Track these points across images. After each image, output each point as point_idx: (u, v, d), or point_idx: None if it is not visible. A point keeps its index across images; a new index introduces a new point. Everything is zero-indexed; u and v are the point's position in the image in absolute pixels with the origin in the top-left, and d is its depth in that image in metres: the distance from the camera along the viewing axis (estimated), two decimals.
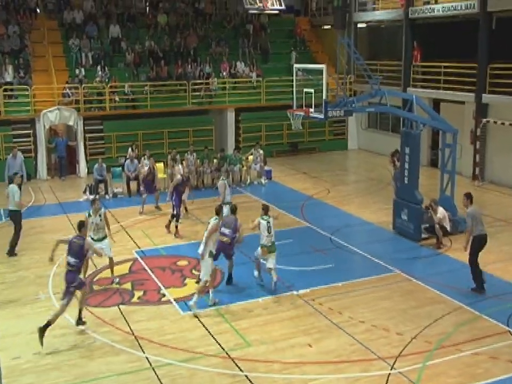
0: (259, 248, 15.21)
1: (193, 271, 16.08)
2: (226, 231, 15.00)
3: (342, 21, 33.60)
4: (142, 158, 24.08)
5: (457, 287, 15.03)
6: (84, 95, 28.93)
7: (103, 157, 26.70)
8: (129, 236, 19.47)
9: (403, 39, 30.99)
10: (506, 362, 11.58)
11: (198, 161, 25.74)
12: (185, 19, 35.50)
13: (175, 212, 19.43)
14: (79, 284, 12.97)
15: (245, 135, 32.06)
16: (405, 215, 18.87)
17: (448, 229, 18.31)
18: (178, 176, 20.11)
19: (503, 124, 25.12)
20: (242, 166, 26.69)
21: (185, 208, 21.31)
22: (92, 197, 23.66)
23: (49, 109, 27.78)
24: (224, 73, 32.56)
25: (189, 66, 31.87)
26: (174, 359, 11.83)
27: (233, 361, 11.74)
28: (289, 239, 18.70)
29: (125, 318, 13.60)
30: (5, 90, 28.09)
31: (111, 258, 15.55)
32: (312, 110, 19.52)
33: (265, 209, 15.40)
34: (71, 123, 28.46)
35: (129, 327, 13.18)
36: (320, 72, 19.50)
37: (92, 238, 15.04)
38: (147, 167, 22.88)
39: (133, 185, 24.60)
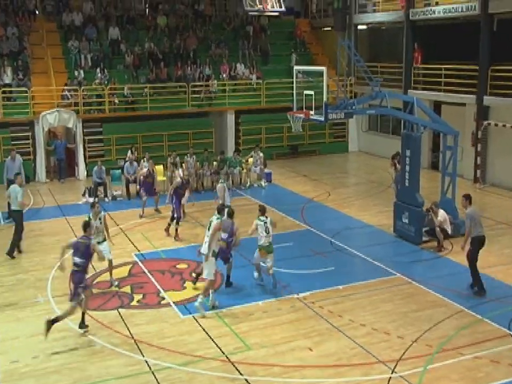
0: (256, 252, 15.29)
1: (193, 274, 16.04)
2: (223, 235, 15.00)
3: (342, 23, 33.71)
4: (142, 161, 24.09)
5: (458, 290, 15.05)
6: (83, 97, 28.95)
7: (103, 160, 26.74)
8: (129, 239, 19.48)
9: (404, 41, 31.02)
10: (508, 366, 11.58)
11: (198, 163, 25.75)
12: (185, 21, 35.53)
13: (175, 215, 19.43)
14: (86, 285, 13.04)
15: (244, 137, 32.07)
16: (406, 218, 18.87)
17: (449, 232, 18.30)
18: (178, 179, 20.09)
19: (504, 126, 25.12)
20: (242, 169, 26.71)
21: (183, 212, 21.19)
22: (91, 199, 23.73)
23: (48, 111, 27.80)
24: (224, 75, 32.58)
25: (189, 68, 31.90)
26: (173, 363, 11.83)
27: (233, 365, 11.74)
28: (289, 242, 18.75)
29: (124, 321, 13.61)
30: (4, 92, 28.12)
31: (110, 261, 15.57)
32: (312, 112, 19.55)
33: (262, 210, 15.45)
34: (70, 125, 28.48)
35: (129, 330, 13.19)
36: (320, 74, 19.54)
37: None
38: (146, 169, 22.88)
39: (132, 188, 24.62)
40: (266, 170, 27.34)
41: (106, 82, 29.85)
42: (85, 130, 29.00)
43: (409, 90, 30.02)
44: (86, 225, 13.49)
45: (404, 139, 19.18)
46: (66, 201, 24.25)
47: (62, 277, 16.12)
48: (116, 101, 29.67)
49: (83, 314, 13.14)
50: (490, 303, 14.36)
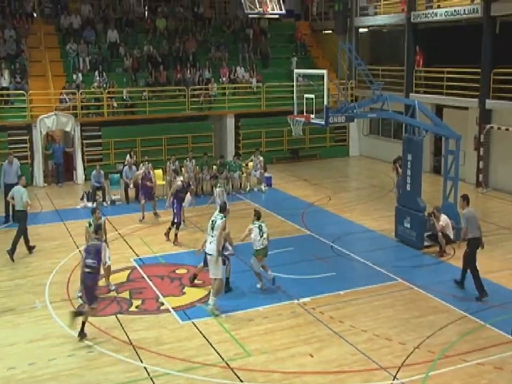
0: (254, 259, 15.37)
1: (195, 281, 16.09)
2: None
3: (343, 26, 33.80)
4: (141, 165, 24.02)
5: (461, 296, 15.04)
6: (82, 101, 28.98)
7: (101, 164, 26.72)
8: (128, 244, 19.48)
9: (405, 44, 31.07)
10: (511, 373, 11.56)
11: (197, 168, 25.75)
12: (184, 24, 35.61)
13: (175, 220, 19.40)
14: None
15: (244, 141, 32.10)
16: (407, 223, 18.86)
17: (451, 236, 18.28)
18: (179, 182, 20.04)
19: (507, 129, 25.15)
20: (242, 173, 26.72)
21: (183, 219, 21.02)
22: (89, 204, 23.82)
23: (46, 115, 27.81)
24: (224, 79, 32.62)
25: (188, 71, 31.93)
26: (173, 369, 11.81)
27: (233, 371, 11.73)
28: (289, 247, 18.78)
29: (123, 327, 13.59)
30: (1, 95, 28.20)
31: (108, 266, 15.56)
32: (313, 116, 19.55)
33: (257, 215, 15.56)
34: (68, 129, 28.49)
35: (127, 336, 13.17)
36: (321, 77, 19.54)
37: None
38: (141, 170, 22.84)
39: (131, 192, 24.63)
40: (266, 175, 27.34)
41: (104, 85, 29.89)
42: (83, 134, 29.03)
43: (410, 94, 30.04)
44: (98, 228, 13.72)
45: (406, 143, 19.20)
46: (64, 206, 24.25)
47: (60, 282, 16.22)
48: (115, 104, 29.69)
49: (83, 323, 13.13)
50: (493, 308, 14.34)
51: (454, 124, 22.16)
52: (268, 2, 31.62)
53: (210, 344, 12.78)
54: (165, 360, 12.14)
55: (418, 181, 18.88)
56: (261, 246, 15.25)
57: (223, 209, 14.72)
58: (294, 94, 20.73)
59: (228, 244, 15.01)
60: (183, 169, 24.66)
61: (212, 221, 14.41)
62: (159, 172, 25.82)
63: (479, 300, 14.83)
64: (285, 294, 15.25)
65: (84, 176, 28.44)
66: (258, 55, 35.22)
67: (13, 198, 18.81)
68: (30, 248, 18.73)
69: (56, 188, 27.60)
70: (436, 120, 20.45)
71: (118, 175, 25.55)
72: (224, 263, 15.10)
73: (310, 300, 14.91)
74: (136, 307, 14.73)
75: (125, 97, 29.92)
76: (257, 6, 31.46)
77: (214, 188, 21.15)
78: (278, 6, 32.41)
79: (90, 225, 15.28)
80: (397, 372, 11.59)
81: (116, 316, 14.19)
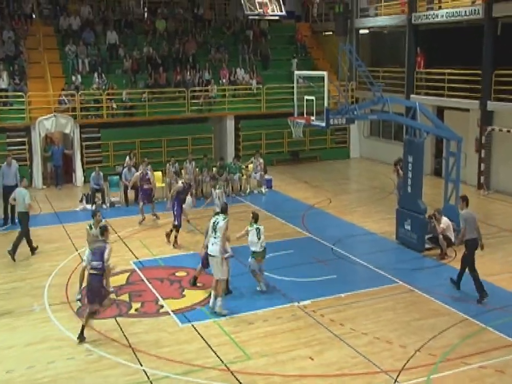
0: (251, 260, 15.42)
1: (197, 284, 16.12)
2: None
3: (343, 27, 33.80)
4: (140, 166, 23.84)
5: (462, 299, 15.04)
6: (81, 103, 28.99)
7: (100, 166, 26.73)
8: (127, 246, 19.47)
9: (406, 45, 31.09)
10: None
11: (197, 170, 25.75)
12: (184, 25, 35.65)
13: (175, 222, 19.38)
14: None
15: (244, 143, 32.11)
16: (408, 225, 18.86)
17: (453, 239, 18.27)
18: (180, 184, 20.02)
19: (508, 131, 25.15)
20: (242, 175, 26.71)
21: (188, 221, 20.95)
22: (88, 206, 23.82)
23: (45, 117, 27.81)
24: (224, 80, 32.64)
25: (188, 73, 31.94)
26: (172, 372, 11.81)
27: (233, 374, 11.72)
28: (290, 249, 18.79)
29: (122, 330, 13.58)
30: (0, 97, 28.14)
31: (108, 269, 15.54)
32: (313, 117, 19.58)
33: (255, 218, 15.61)
34: (67, 131, 28.50)
35: (127, 339, 13.17)
36: (321, 79, 19.57)
37: (89, 249, 15.11)
38: (139, 172, 22.81)
39: (131, 194, 24.61)
40: (266, 177, 27.35)
41: (104, 87, 29.89)
42: (82, 136, 29.04)
43: (411, 95, 30.05)
44: (104, 229, 13.74)
45: (406, 145, 19.20)
46: (63, 208, 24.25)
47: (59, 284, 16.22)
48: (114, 106, 29.71)
49: (83, 327, 13.13)
50: (495, 311, 14.34)
51: (455, 126, 22.15)
52: (268, 3, 31.60)
53: (210, 347, 12.77)
54: (165, 363, 12.13)
55: (419, 183, 18.88)
56: (260, 249, 15.34)
57: (224, 210, 14.74)
58: (295, 96, 20.77)
59: (228, 245, 15.02)
60: (182, 171, 24.66)
61: (214, 222, 14.41)
62: (158, 173, 25.85)
63: (479, 301, 14.84)
64: (285, 297, 15.24)
65: (83, 178, 28.43)
66: (259, 56, 35.24)
67: (14, 200, 18.88)
68: (33, 249, 18.79)
69: (55, 190, 27.59)
70: (437, 122, 20.46)
71: (118, 177, 25.56)
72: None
73: (311, 302, 14.90)
74: (136, 310, 14.73)
75: (124, 98, 29.92)
76: (257, 7, 31.43)
77: (213, 189, 21.08)
78: (278, 8, 32.40)
79: (91, 227, 15.27)
80: (398, 375, 11.58)
81: (115, 319, 14.16)
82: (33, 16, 33.83)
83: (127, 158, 25.65)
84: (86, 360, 12.31)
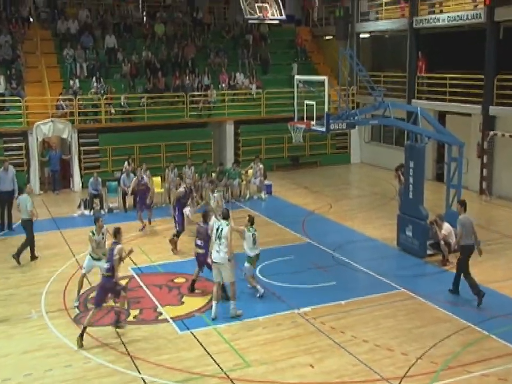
0: (247, 265, 15.50)
1: (196, 290, 16.18)
2: (198, 242, 15.70)
3: (344, 31, 33.88)
4: (139, 169, 23.72)
5: (464, 306, 15.04)
6: (79, 107, 29.01)
7: (98, 171, 26.73)
8: (125, 252, 19.41)
9: (407, 50, 31.13)
10: None
11: (196, 175, 25.73)
12: (183, 29, 35.73)
13: (177, 228, 19.37)
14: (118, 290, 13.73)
15: (244, 148, 32.13)
16: (410, 231, 18.87)
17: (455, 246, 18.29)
18: (181, 189, 20.03)
19: (511, 136, 25.18)
20: (242, 180, 26.72)
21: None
22: (86, 212, 23.83)
23: (43, 121, 27.82)
24: (223, 85, 32.67)
25: (187, 77, 31.98)
26: (171, 380, 11.80)
27: (232, 382, 11.72)
28: (289, 255, 18.79)
29: (120, 337, 13.58)
30: None
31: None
32: (313, 122, 19.60)
33: (251, 221, 15.72)
34: (65, 136, 28.51)
35: (125, 346, 13.17)
36: (321, 83, 19.60)
37: (92, 257, 15.18)
38: (135, 178, 22.80)
39: (129, 200, 24.60)
40: (266, 182, 27.36)
41: (102, 91, 29.90)
42: (80, 141, 29.04)
43: (413, 100, 30.09)
44: (117, 232, 14.03)
45: (408, 150, 19.22)
46: (61, 214, 24.25)
47: (56, 291, 16.20)
48: (112, 111, 29.74)
49: (84, 329, 13.20)
50: (497, 319, 14.33)
51: (457, 131, 22.18)
52: (268, 7, 31.73)
53: (209, 354, 12.77)
54: (163, 371, 12.12)
55: (421, 189, 18.91)
56: (256, 254, 15.56)
57: (226, 216, 14.78)
58: (295, 101, 20.79)
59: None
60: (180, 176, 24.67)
61: (217, 229, 14.44)
62: (157, 179, 25.86)
63: (478, 304, 14.93)
64: (285, 304, 15.24)
65: (81, 184, 28.44)
66: (258, 61, 35.29)
67: (19, 206, 19.06)
68: (34, 257, 18.83)
69: (53, 196, 27.59)
70: (439, 127, 20.48)
71: (116, 182, 25.57)
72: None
73: (311, 309, 14.89)
74: (134, 317, 14.71)
75: (122, 103, 29.95)
76: (257, 11, 31.55)
77: (211, 193, 21.02)
78: (278, 12, 32.51)
79: (93, 234, 15.29)
80: (399, 383, 11.57)
81: (114, 326, 14.16)
82: (31, 19, 33.96)
83: (126, 163, 25.67)
84: (83, 368, 12.29)
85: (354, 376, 11.88)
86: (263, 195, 26.71)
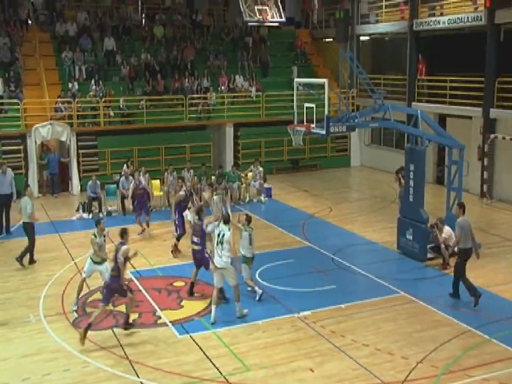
0: (243, 265, 15.56)
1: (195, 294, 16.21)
2: (195, 239, 15.89)
3: (344, 34, 33.89)
4: (136, 173, 23.68)
5: (465, 310, 15.04)
6: (77, 110, 29.01)
7: (97, 174, 26.69)
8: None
9: (407, 52, 31.15)
10: None
11: (196, 178, 25.73)
12: (182, 31, 35.72)
13: (177, 231, 19.36)
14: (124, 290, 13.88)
15: (244, 151, 32.12)
16: (410, 235, 18.87)
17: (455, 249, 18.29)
18: (182, 192, 20.04)
19: (511, 139, 25.18)
20: (241, 183, 26.73)
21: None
22: (85, 215, 23.83)
23: (41, 124, 27.83)
24: (223, 87, 32.67)
25: (186, 80, 31.98)
26: None
27: None
28: (289, 259, 18.78)
29: (119, 341, 13.58)
30: None
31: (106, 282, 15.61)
32: (313, 125, 19.63)
33: (248, 220, 15.88)
34: (63, 139, 28.51)
35: (124, 350, 13.16)
36: (321, 86, 19.63)
37: (93, 260, 15.19)
38: (132, 182, 22.80)
39: (128, 203, 24.58)
40: (266, 185, 27.36)
41: (101, 94, 29.90)
42: (79, 144, 29.03)
43: (413, 103, 30.12)
44: (123, 232, 14.19)
45: (408, 153, 19.24)
46: (59, 217, 24.23)
47: (55, 295, 16.20)
48: (111, 113, 29.73)
49: (89, 325, 13.35)
50: (498, 322, 14.32)
51: (457, 134, 22.20)
52: (268, 10, 31.70)
53: (209, 358, 12.76)
54: (162, 375, 12.12)
55: (421, 192, 18.92)
56: (252, 255, 15.69)
57: (227, 220, 14.79)
58: (294, 103, 20.83)
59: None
60: (179, 179, 24.64)
61: (219, 235, 14.47)
62: (157, 182, 25.87)
63: (475, 305, 15.05)
64: (285, 308, 15.24)
65: (79, 187, 28.43)
66: (258, 63, 35.29)
67: (20, 209, 19.10)
68: (32, 261, 18.80)
69: (51, 199, 27.58)
70: (439, 130, 20.50)
71: (115, 185, 25.57)
72: (208, 267, 15.62)
73: (311, 313, 14.89)
74: (133, 320, 14.69)
75: (121, 106, 29.95)
76: (257, 14, 31.52)
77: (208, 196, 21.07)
78: (278, 14, 32.49)
79: (95, 236, 15.31)
80: None
81: (112, 330, 14.16)
82: (29, 22, 33.89)
83: (125, 166, 25.66)
84: (82, 372, 12.29)
85: (354, 380, 11.88)
86: (262, 198, 26.71)
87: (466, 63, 26.38)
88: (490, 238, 20.56)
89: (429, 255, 18.60)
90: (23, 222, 19.04)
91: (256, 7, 31.30)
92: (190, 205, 20.37)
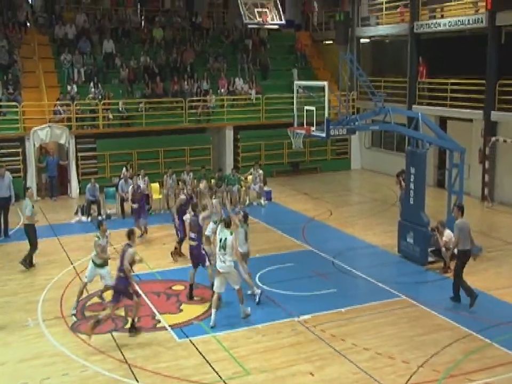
0: (245, 276, 15.58)
1: (194, 298, 16.23)
2: (192, 235, 16.16)
3: (344, 36, 33.91)
4: (135, 177, 23.70)
5: (466, 313, 15.02)
6: (76, 113, 29.02)
7: (96, 177, 26.67)
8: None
9: (408, 55, 31.18)
10: None
11: (195, 181, 25.72)
12: (182, 34, 35.75)
13: (179, 235, 19.34)
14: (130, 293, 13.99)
15: (243, 154, 32.13)
16: (411, 238, 18.87)
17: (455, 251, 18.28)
18: (183, 196, 20.03)
19: None
20: (241, 187, 26.72)
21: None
22: (84, 218, 23.82)
23: (40, 127, 27.82)
24: (222, 90, 32.69)
25: (186, 82, 32.01)
26: None
27: None
28: (289, 262, 18.76)
29: (118, 345, 13.56)
30: None
31: (106, 287, 15.60)
32: (313, 128, 19.61)
33: (245, 217, 16.33)
34: (62, 141, 28.50)
35: (123, 354, 13.14)
36: (321, 89, 19.63)
37: (94, 263, 15.19)
38: (131, 186, 22.79)
39: (127, 206, 24.57)
40: (266, 188, 27.37)
41: (100, 97, 29.92)
42: (78, 147, 29.02)
43: (413, 106, 30.13)
44: (130, 233, 14.26)
45: (409, 156, 19.24)
46: (58, 220, 24.21)
47: (53, 299, 16.18)
48: (110, 116, 29.73)
49: (98, 321, 13.56)
50: (500, 326, 14.31)
51: (458, 137, 22.21)
52: (268, 12, 31.70)
53: (208, 362, 12.75)
54: (161, 379, 12.11)
55: (422, 195, 18.92)
56: (247, 251, 15.92)
57: (229, 224, 14.80)
58: (295, 106, 20.80)
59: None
60: (180, 182, 24.66)
61: (221, 239, 14.47)
62: (156, 185, 25.86)
63: (470, 306, 15.16)
64: (285, 311, 15.22)
65: (78, 190, 28.40)
66: (258, 66, 35.33)
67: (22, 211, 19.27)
68: (31, 265, 18.73)
69: (50, 202, 27.57)
70: (440, 133, 20.49)
71: (114, 188, 25.57)
72: (204, 263, 16.08)
73: (311, 317, 14.88)
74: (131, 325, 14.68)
75: (120, 109, 29.96)
76: (257, 16, 31.51)
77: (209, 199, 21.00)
78: (278, 16, 32.47)
79: (99, 238, 15.32)
80: None
81: (111, 334, 14.14)
82: (28, 24, 33.87)
83: (124, 169, 25.65)
84: (81, 377, 12.27)
85: None
86: (262, 201, 26.71)
87: (467, 65, 26.40)
88: (492, 241, 20.56)
89: (430, 259, 18.59)
90: (24, 224, 19.08)
91: (256, 10, 31.28)
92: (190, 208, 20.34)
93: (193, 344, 13.60)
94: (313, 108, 19.60)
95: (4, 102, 28.58)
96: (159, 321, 14.86)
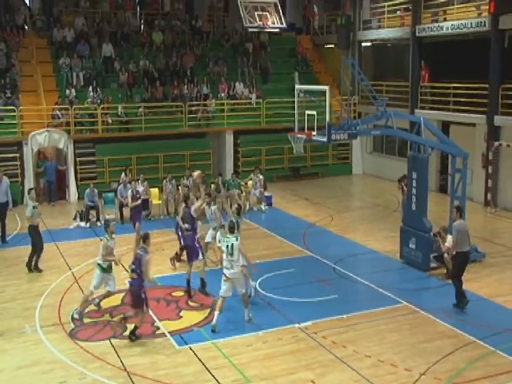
0: (248, 281, 15.68)
1: (190, 303, 16.22)
2: (186, 226, 16.82)
3: (345, 40, 33.93)
4: (133, 182, 23.71)
5: (469, 320, 15.00)
6: (75, 117, 29.05)
7: (95, 182, 26.69)
8: (122, 265, 19.35)
9: (410, 59, 31.22)
10: None
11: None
12: (182, 37, 35.80)
13: (181, 243, 19.29)
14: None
15: (244, 159, 32.16)
16: (413, 244, 18.86)
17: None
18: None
19: None
20: (241, 192, 26.73)
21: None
22: (82, 223, 23.83)
23: (38, 131, 27.86)
24: (223, 94, 32.72)
25: (186, 87, 32.05)
26: None
27: None
28: (290, 268, 18.76)
29: (117, 353, 13.54)
30: None
31: (109, 292, 15.64)
32: (314, 133, 19.60)
33: (238, 210, 16.97)
34: (61, 146, 28.54)
35: (122, 362, 13.12)
36: (323, 93, 19.63)
37: (101, 266, 15.23)
38: (130, 190, 22.81)
39: (126, 211, 24.57)
40: (266, 194, 27.38)
41: (99, 101, 29.95)
42: (76, 151, 29.06)
43: (416, 110, 30.17)
44: (146, 237, 14.35)
45: (411, 161, 19.25)
46: (56, 226, 24.19)
47: (51, 305, 16.18)
48: (109, 120, 29.77)
49: (136, 328, 14.00)
50: (503, 334, 14.28)
51: (461, 141, 22.19)
52: (268, 15, 31.75)
53: (208, 370, 12.74)
54: None
55: (424, 200, 18.91)
56: None
57: (232, 229, 14.83)
58: (295, 110, 20.79)
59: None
60: (179, 187, 24.68)
61: (227, 246, 14.48)
62: (155, 190, 25.86)
63: (456, 307, 15.42)
64: (286, 318, 15.21)
65: (77, 195, 28.44)
66: (258, 70, 35.38)
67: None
68: (30, 269, 18.80)
69: (48, 207, 27.53)
70: (442, 137, 20.49)
71: (113, 194, 25.57)
72: (197, 257, 16.67)
73: (312, 324, 14.87)
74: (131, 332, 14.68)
75: (120, 113, 30.00)
76: (257, 20, 31.57)
77: (207, 206, 20.95)
78: (278, 20, 32.52)
79: (107, 239, 15.35)
80: None
81: (110, 341, 14.13)
82: (26, 27, 33.92)
83: (123, 174, 25.64)
84: None
85: None
86: (263, 207, 26.73)
87: (469, 69, 26.44)
88: (495, 247, 20.56)
89: (432, 265, 18.59)
90: (28, 226, 19.22)
91: (256, 13, 31.34)
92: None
93: (192, 351, 13.59)
94: (314, 112, 19.60)
95: (1, 106, 28.59)
96: (159, 328, 14.85)
